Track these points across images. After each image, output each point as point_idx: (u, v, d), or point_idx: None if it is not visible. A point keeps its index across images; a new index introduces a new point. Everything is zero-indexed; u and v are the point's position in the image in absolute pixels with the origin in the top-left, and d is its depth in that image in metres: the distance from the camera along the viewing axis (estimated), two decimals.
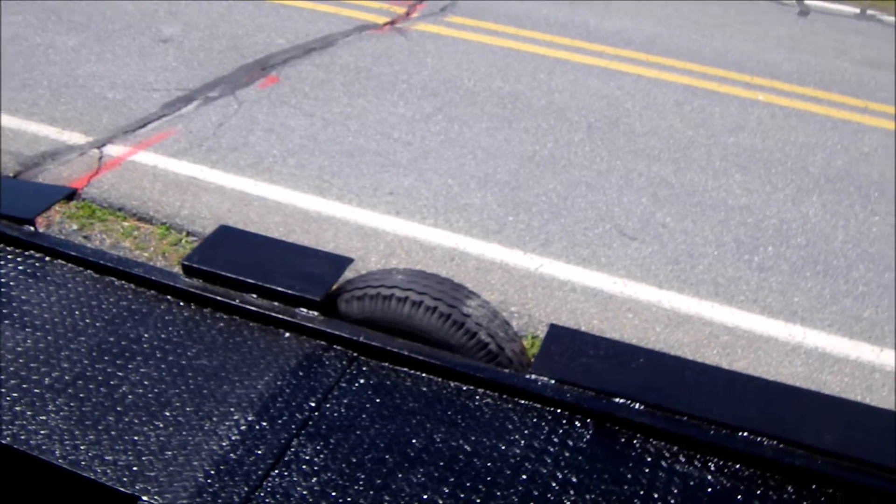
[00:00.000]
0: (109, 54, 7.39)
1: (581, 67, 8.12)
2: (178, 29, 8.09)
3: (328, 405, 2.15)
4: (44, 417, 2.01)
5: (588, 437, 2.11)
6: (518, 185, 5.91)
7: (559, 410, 2.17)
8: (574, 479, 1.97)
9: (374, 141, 6.35)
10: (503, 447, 2.05)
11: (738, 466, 2.05)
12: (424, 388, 2.21)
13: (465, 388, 2.22)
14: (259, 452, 1.98)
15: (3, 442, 1.93)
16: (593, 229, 5.44)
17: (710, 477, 2.02)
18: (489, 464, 1.99)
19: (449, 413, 2.14)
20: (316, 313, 2.43)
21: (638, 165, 6.35)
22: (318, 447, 2.02)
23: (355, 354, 2.31)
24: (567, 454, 2.04)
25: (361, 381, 2.21)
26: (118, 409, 2.06)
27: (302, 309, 2.43)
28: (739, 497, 1.97)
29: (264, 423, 2.06)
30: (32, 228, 2.69)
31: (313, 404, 2.14)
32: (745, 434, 2.12)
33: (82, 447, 1.94)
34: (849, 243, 5.58)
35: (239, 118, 6.49)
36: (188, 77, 7.09)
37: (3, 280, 2.44)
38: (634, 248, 5.28)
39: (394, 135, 6.48)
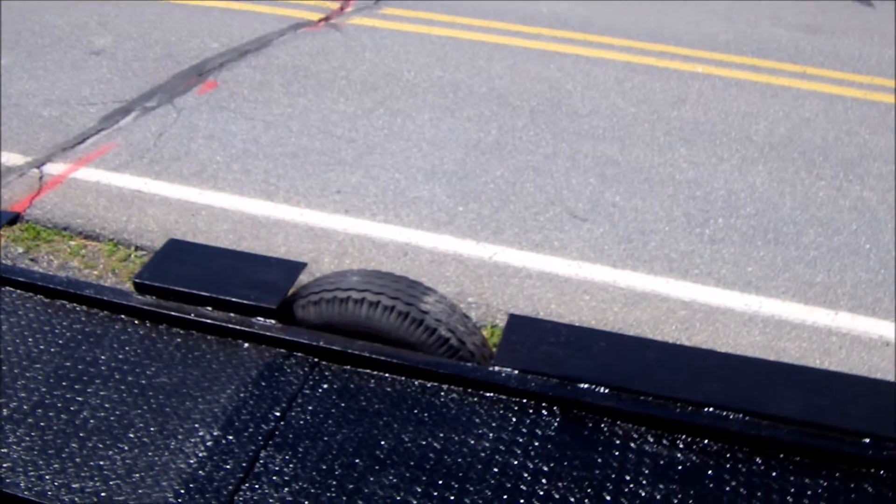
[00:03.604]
0: (41, 70, 7.27)
1: (519, 51, 8.12)
2: (110, 40, 7.97)
3: (293, 413, 2.13)
4: (5, 450, 1.98)
5: (556, 424, 2.11)
6: (465, 174, 5.90)
7: (525, 400, 2.18)
8: (545, 468, 1.97)
9: (317, 140, 6.30)
10: (472, 442, 2.04)
11: (705, 442, 2.07)
12: (388, 389, 2.20)
13: (429, 385, 2.22)
14: (227, 467, 1.96)
15: None
16: (544, 213, 5.45)
17: (679, 455, 2.04)
18: (459, 459, 1.99)
19: (415, 412, 2.14)
20: (273, 321, 2.42)
21: (583, 146, 6.37)
22: (287, 457, 2.00)
23: (316, 360, 2.30)
24: (536, 443, 2.04)
25: (325, 386, 2.20)
26: (80, 434, 2.03)
27: (259, 318, 2.42)
28: (710, 472, 1.99)
29: (230, 437, 2.05)
30: None
31: (278, 414, 2.12)
32: (711, 409, 2.14)
33: (47, 477, 1.91)
34: (797, 209, 5.64)
35: (179, 127, 6.40)
36: (124, 88, 6.99)
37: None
38: (586, 230, 5.29)
39: (336, 132, 6.43)
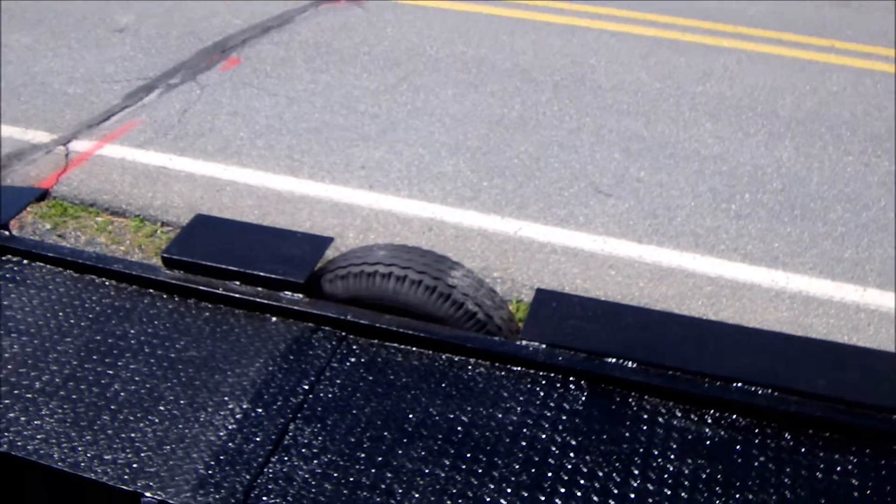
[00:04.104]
0: (65, 49, 7.29)
1: (542, 26, 8.08)
2: (133, 18, 7.99)
3: (321, 387, 2.14)
4: (38, 422, 2.00)
5: (583, 398, 2.11)
6: (489, 149, 5.89)
7: (552, 374, 2.17)
8: (573, 442, 1.97)
9: (340, 116, 6.30)
10: (499, 415, 2.04)
11: (733, 417, 2.06)
12: (416, 363, 2.20)
13: (456, 359, 2.22)
14: (257, 439, 1.97)
15: (1, 450, 1.92)
16: (568, 188, 5.43)
17: (707, 430, 2.03)
18: (487, 433, 1.99)
19: (443, 385, 2.14)
20: (301, 296, 2.42)
21: (608, 121, 6.34)
22: (316, 430, 2.01)
23: (344, 334, 2.31)
24: (564, 417, 2.04)
25: (352, 360, 2.20)
26: (112, 407, 2.05)
27: (286, 292, 2.42)
28: (738, 447, 1.98)
29: (259, 410, 2.06)
30: (7, 232, 2.67)
31: (306, 387, 2.13)
32: (739, 385, 2.13)
33: (80, 448, 1.93)
34: (824, 185, 5.59)
35: (203, 103, 6.42)
36: (147, 65, 7.01)
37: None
38: (611, 205, 5.27)
39: (360, 108, 6.43)
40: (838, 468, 1.92)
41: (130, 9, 8.18)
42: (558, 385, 2.13)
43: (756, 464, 1.93)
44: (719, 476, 1.90)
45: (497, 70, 7.14)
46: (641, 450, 1.97)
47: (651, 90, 6.87)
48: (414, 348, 2.24)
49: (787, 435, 2.01)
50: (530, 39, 7.77)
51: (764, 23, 8.34)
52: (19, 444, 1.93)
